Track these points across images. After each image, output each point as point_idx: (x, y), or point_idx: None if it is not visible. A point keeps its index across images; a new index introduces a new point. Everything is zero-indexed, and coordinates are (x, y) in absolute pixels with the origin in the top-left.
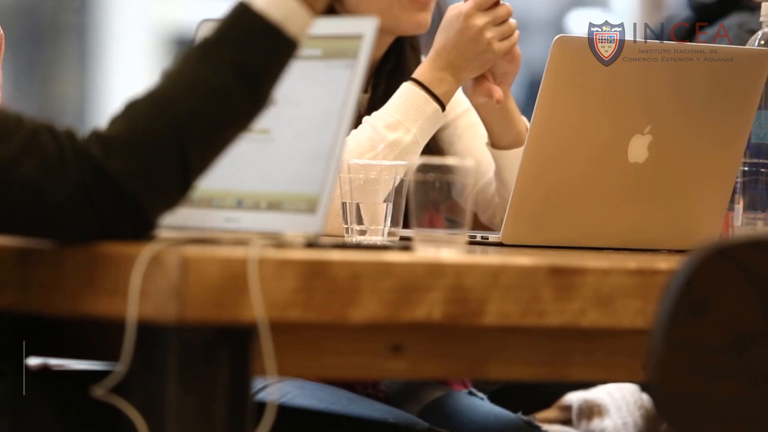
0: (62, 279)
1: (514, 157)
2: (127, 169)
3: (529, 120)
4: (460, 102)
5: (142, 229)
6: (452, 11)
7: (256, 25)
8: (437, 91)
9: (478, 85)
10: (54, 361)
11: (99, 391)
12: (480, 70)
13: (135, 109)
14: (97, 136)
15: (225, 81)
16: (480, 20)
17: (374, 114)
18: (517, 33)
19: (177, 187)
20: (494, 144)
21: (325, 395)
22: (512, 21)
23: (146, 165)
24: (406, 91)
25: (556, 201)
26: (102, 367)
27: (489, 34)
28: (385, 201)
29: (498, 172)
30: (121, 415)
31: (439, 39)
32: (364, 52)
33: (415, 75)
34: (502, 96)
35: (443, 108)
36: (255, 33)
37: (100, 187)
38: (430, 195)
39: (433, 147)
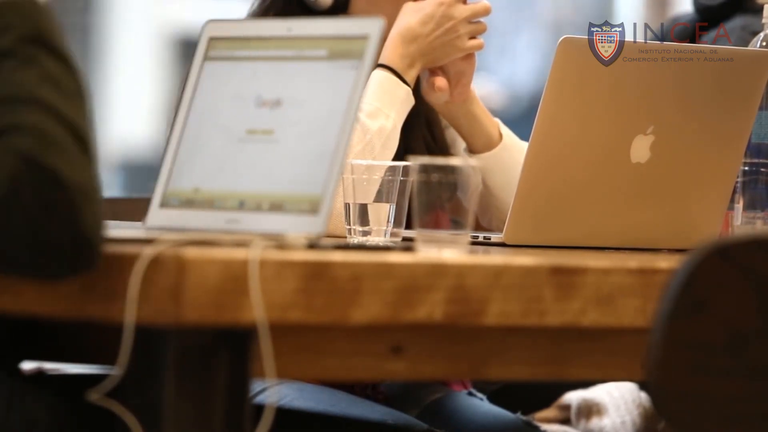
0: (59, 282)
1: (486, 160)
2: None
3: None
4: None
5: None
6: None
7: None
8: (407, 78)
9: (428, 79)
10: (49, 365)
11: (95, 395)
12: (438, 61)
13: None
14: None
15: None
16: (460, 12)
17: None
18: (482, 41)
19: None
20: (469, 149)
21: (324, 397)
22: (483, 21)
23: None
24: (379, 78)
25: (559, 201)
26: (98, 371)
27: (462, 29)
28: (388, 202)
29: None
30: (118, 420)
31: (411, 18)
32: (369, 52)
33: (384, 60)
34: (446, 85)
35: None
36: None
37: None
38: (433, 195)
39: (436, 147)
